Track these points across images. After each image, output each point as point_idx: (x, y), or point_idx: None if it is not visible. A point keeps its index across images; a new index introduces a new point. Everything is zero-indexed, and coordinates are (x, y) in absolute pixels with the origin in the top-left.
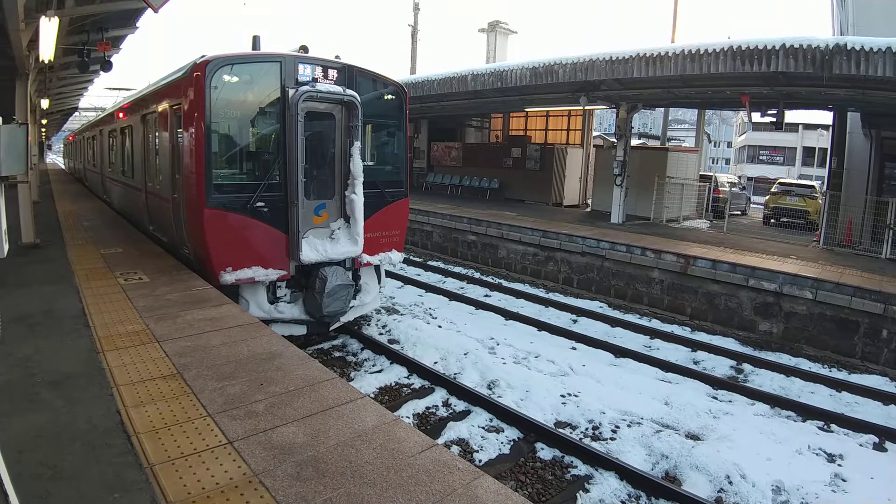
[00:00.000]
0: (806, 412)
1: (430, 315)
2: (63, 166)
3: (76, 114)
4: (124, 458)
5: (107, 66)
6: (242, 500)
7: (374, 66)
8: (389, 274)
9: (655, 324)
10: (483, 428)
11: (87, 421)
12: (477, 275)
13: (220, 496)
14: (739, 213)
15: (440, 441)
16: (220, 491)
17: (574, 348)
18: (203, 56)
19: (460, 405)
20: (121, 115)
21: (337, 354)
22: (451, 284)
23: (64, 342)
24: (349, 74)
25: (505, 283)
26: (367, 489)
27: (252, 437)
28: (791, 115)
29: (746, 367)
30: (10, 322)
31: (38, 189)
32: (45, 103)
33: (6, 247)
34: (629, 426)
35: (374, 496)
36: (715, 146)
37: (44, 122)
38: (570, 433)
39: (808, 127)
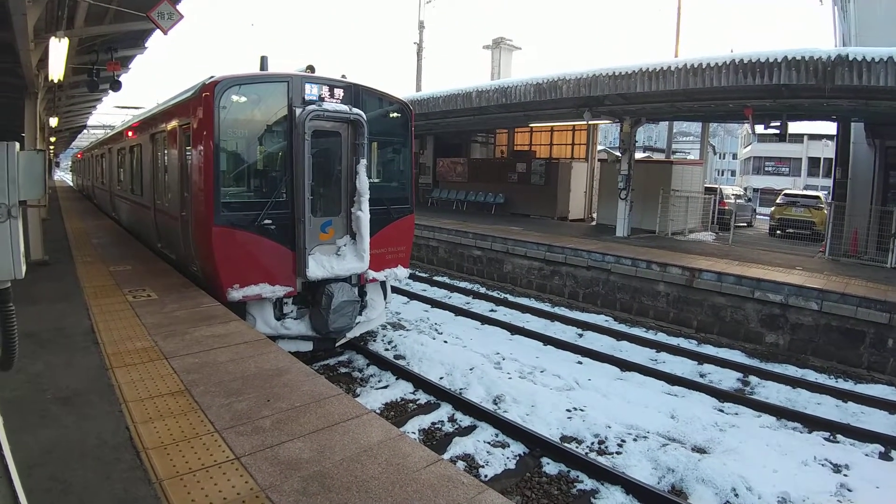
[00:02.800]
0: (812, 423)
1: (436, 330)
2: (71, 183)
3: (85, 131)
4: (133, 474)
5: (116, 85)
6: None
7: (380, 83)
8: (395, 289)
9: (661, 337)
10: (489, 443)
11: (97, 437)
12: (482, 290)
13: None
14: (745, 224)
15: (446, 456)
16: None
17: (580, 362)
18: (212, 77)
19: (466, 420)
20: (130, 133)
21: (343, 370)
22: (457, 299)
23: (73, 359)
24: (355, 93)
25: (511, 298)
26: None
27: (259, 453)
28: (796, 126)
29: (753, 379)
30: (21, 339)
31: (47, 206)
32: (53, 121)
33: (24, 268)
34: (635, 440)
35: None
36: (720, 158)
37: (52, 139)
38: (576, 447)
39: (813, 137)
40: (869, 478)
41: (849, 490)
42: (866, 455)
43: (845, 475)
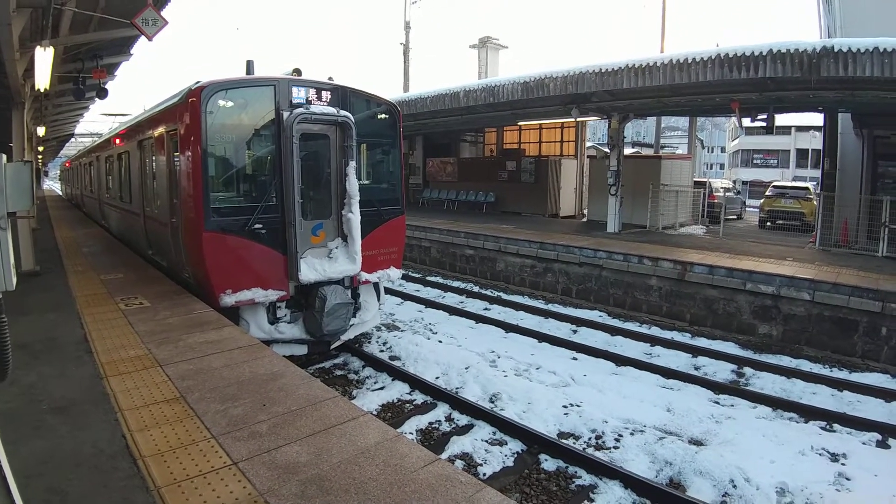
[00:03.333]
0: (808, 413)
1: (431, 330)
2: (60, 192)
3: (72, 140)
4: (131, 482)
5: (102, 93)
6: None
7: (367, 85)
8: (389, 291)
9: (655, 331)
10: (486, 441)
11: (93, 446)
12: (476, 288)
13: None
14: (735, 217)
15: (444, 456)
16: None
17: (575, 358)
18: (198, 82)
19: (463, 419)
20: (117, 141)
21: (338, 373)
22: (451, 299)
23: (67, 369)
24: (342, 95)
25: (504, 296)
26: None
27: (256, 458)
28: (783, 118)
29: (747, 370)
30: (14, 350)
31: (36, 216)
32: (41, 131)
33: (14, 279)
34: (632, 434)
35: None
36: (709, 152)
37: (40, 149)
38: (574, 443)
39: (800, 129)
40: (867, 466)
41: (847, 479)
42: (863, 444)
43: (843, 464)
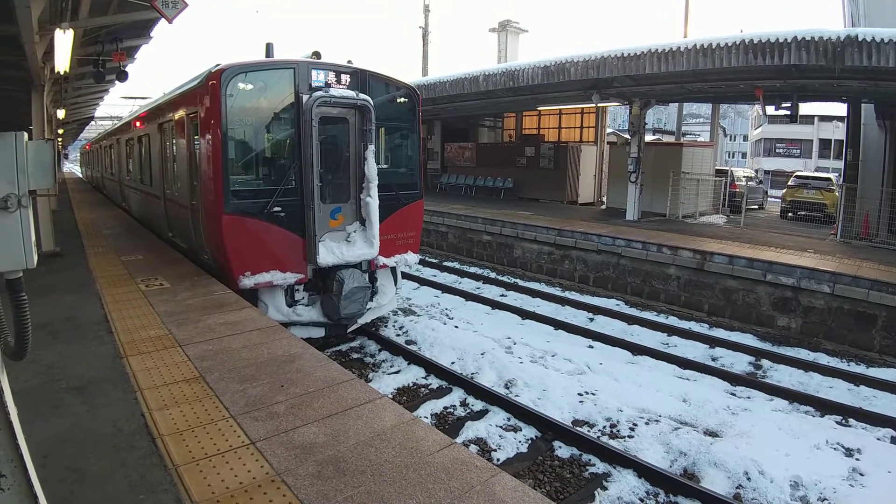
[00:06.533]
0: (824, 407)
1: (447, 315)
2: (80, 175)
3: (92, 123)
4: (149, 460)
5: (122, 76)
6: (265, 499)
7: (386, 68)
8: (405, 275)
9: (672, 321)
10: (501, 427)
11: (112, 424)
12: (493, 275)
13: (244, 495)
14: (756, 207)
15: (459, 440)
16: (243, 490)
17: (591, 347)
18: (218, 64)
19: (478, 405)
20: (138, 124)
21: (355, 356)
22: (467, 285)
23: (87, 348)
24: (362, 79)
25: (521, 283)
26: (386, 487)
27: (274, 438)
28: (806, 108)
29: (765, 362)
30: (34, 330)
31: (57, 198)
32: (61, 113)
33: (35, 257)
34: (647, 424)
35: (393, 493)
36: (731, 140)
37: (60, 131)
38: (588, 431)
39: (823, 119)
40: (881, 462)
41: (861, 474)
42: (878, 439)
43: (857, 459)
